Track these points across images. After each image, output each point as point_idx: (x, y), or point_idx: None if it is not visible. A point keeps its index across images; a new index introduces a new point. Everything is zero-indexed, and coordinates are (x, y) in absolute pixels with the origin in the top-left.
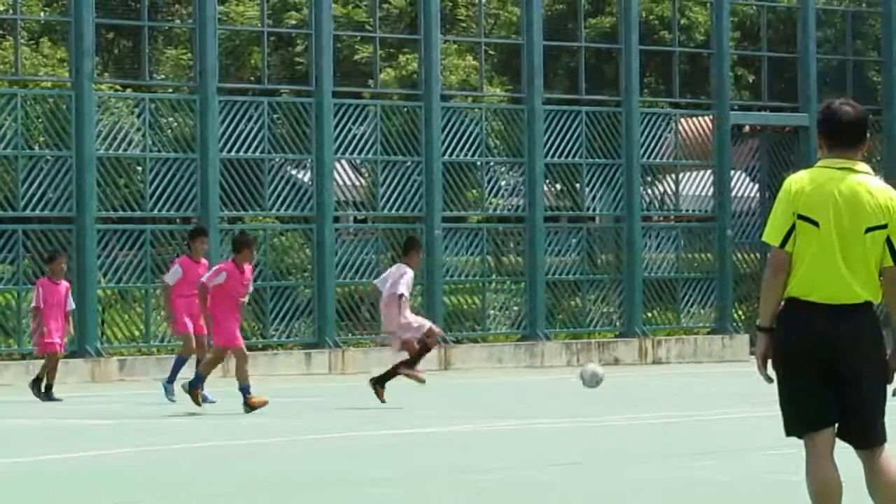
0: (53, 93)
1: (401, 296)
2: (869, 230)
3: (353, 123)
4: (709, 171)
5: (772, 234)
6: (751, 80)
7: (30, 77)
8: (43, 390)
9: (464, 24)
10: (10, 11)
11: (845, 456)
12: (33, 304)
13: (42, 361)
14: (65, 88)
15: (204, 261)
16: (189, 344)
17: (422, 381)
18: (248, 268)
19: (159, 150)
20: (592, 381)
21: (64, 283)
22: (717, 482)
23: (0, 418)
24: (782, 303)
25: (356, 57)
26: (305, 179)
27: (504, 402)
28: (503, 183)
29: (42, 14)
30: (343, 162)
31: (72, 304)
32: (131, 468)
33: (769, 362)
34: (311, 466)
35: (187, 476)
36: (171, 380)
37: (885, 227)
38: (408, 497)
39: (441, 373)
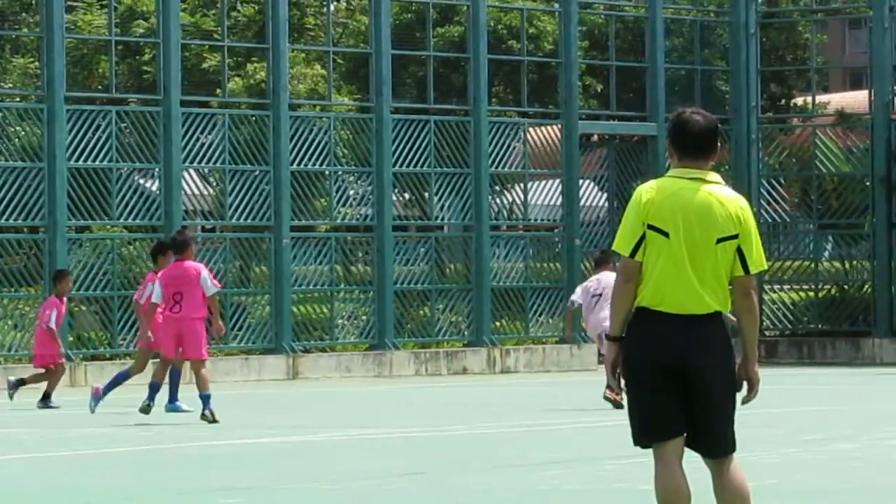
0: None
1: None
2: (720, 241)
3: (201, 132)
4: (557, 181)
5: (622, 244)
6: (599, 90)
7: None
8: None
9: (312, 33)
10: None
11: (693, 465)
12: (51, 324)
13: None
14: None
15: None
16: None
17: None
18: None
19: (6, 160)
20: None
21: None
22: (565, 491)
23: None
24: (632, 312)
25: (204, 65)
26: (153, 188)
27: (351, 412)
28: (351, 192)
29: None
30: (191, 171)
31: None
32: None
33: (618, 371)
34: (155, 477)
35: (31, 488)
36: (171, 398)
37: (735, 237)
38: None
39: (289, 382)
